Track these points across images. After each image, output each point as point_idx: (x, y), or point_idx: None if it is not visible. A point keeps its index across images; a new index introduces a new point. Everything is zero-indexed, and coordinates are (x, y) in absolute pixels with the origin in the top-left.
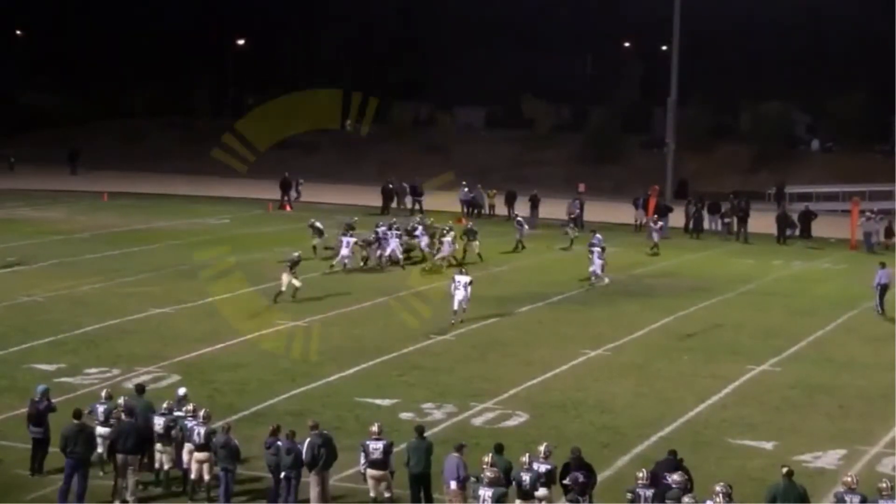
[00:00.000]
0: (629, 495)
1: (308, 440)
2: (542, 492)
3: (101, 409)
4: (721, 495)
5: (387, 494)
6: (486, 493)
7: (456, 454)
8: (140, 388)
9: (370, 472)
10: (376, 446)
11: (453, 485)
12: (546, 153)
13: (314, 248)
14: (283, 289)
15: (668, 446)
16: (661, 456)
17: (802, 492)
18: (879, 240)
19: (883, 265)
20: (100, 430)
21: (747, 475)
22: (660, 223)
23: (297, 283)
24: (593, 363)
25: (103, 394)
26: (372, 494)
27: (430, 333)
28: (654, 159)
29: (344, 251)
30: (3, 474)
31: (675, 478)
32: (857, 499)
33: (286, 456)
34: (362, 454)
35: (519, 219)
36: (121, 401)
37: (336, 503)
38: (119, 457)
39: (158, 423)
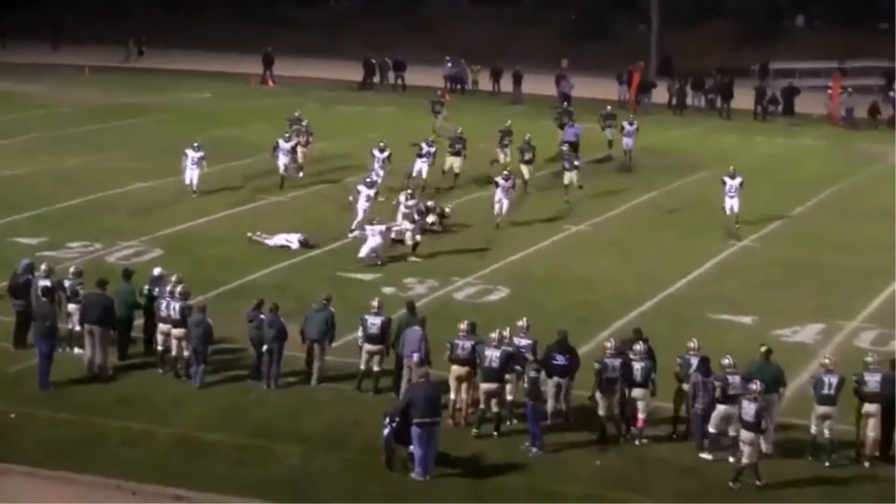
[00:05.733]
0: (597, 365)
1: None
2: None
3: (67, 284)
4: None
5: (376, 368)
6: (493, 353)
7: (418, 328)
8: (127, 274)
9: (367, 346)
10: (374, 321)
11: (415, 357)
12: (532, 30)
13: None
14: None
15: (647, 321)
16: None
17: (778, 371)
18: (862, 116)
19: None
20: (70, 306)
21: (727, 350)
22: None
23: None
24: (576, 238)
25: (71, 270)
26: (363, 367)
27: None
28: (639, 36)
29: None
30: None
31: (636, 347)
32: (835, 380)
33: (269, 329)
34: (360, 328)
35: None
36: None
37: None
38: (86, 327)
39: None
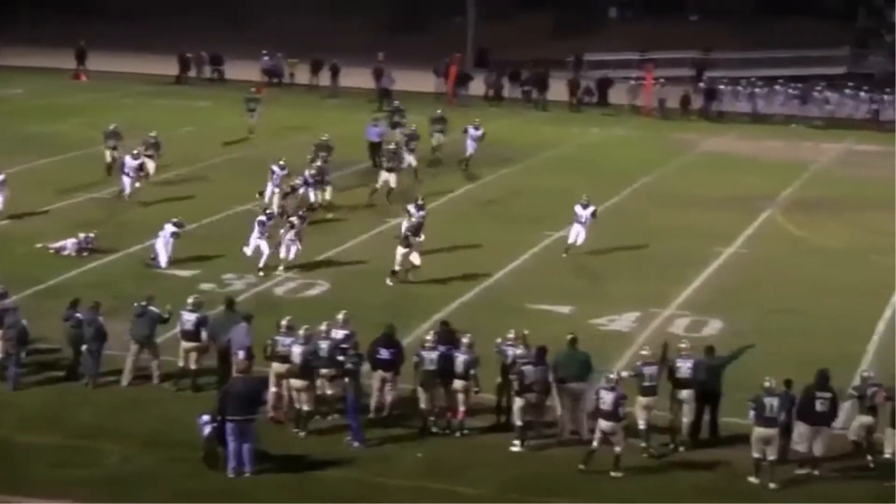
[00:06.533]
0: (415, 358)
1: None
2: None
3: None
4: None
5: (193, 366)
6: (297, 349)
7: (244, 324)
8: None
9: (183, 343)
10: (189, 318)
11: (241, 354)
12: (349, 22)
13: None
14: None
15: (468, 312)
16: (458, 323)
17: (585, 358)
18: (674, 106)
19: None
20: None
21: (546, 339)
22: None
23: None
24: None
25: None
26: (181, 365)
27: (234, 204)
28: (455, 28)
29: None
30: None
31: (464, 340)
32: (654, 371)
33: (88, 328)
34: (179, 324)
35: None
36: None
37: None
38: None
39: None
